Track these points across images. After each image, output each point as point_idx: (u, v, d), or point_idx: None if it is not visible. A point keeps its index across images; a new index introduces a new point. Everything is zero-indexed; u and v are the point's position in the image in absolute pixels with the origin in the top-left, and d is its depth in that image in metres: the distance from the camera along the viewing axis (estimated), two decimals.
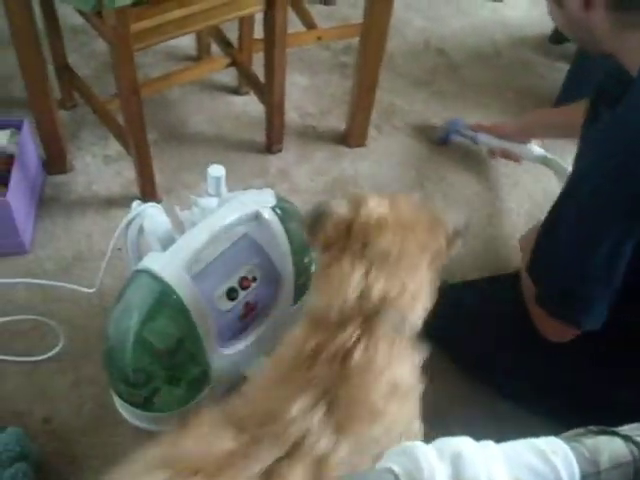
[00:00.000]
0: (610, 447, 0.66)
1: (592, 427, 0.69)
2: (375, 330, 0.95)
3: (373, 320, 0.96)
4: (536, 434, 0.69)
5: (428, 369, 1.01)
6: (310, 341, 0.96)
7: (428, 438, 0.69)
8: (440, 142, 2.14)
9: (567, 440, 0.67)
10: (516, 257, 1.83)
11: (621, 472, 0.65)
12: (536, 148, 1.96)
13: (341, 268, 0.98)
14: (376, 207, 1.02)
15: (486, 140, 2.02)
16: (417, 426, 1.02)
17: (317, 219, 1.04)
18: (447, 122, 2.15)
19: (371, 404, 0.93)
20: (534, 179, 2.06)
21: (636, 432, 0.68)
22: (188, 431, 0.95)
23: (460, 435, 0.67)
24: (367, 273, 0.96)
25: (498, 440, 0.68)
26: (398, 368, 0.96)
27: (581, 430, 0.70)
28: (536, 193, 2.02)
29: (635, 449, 0.66)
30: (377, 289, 0.95)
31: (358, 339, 0.94)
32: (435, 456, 0.62)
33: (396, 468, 0.62)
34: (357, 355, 0.93)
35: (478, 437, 0.68)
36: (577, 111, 1.67)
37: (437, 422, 1.01)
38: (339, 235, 1.01)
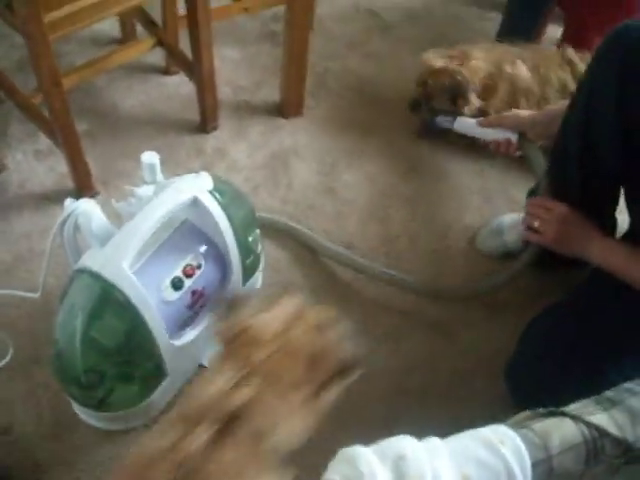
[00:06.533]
0: (560, 429, 0.65)
1: (540, 410, 0.68)
2: (228, 437, 0.86)
3: (230, 425, 0.86)
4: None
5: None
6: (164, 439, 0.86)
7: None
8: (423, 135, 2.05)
9: (515, 426, 0.65)
10: (462, 214, 1.83)
11: (573, 454, 0.64)
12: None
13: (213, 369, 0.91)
14: (271, 321, 0.92)
15: (465, 126, 1.76)
16: None
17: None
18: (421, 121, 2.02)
19: None
20: None
21: (584, 410, 0.66)
22: None
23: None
24: (238, 378, 0.87)
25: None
26: None
27: (528, 414, 0.68)
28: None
29: (585, 429, 0.65)
30: (243, 394, 0.86)
31: (206, 443, 0.84)
32: (377, 460, 0.61)
33: (337, 478, 0.60)
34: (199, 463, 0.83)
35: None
36: None
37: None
38: (231, 337, 0.91)
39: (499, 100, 1.86)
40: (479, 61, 1.88)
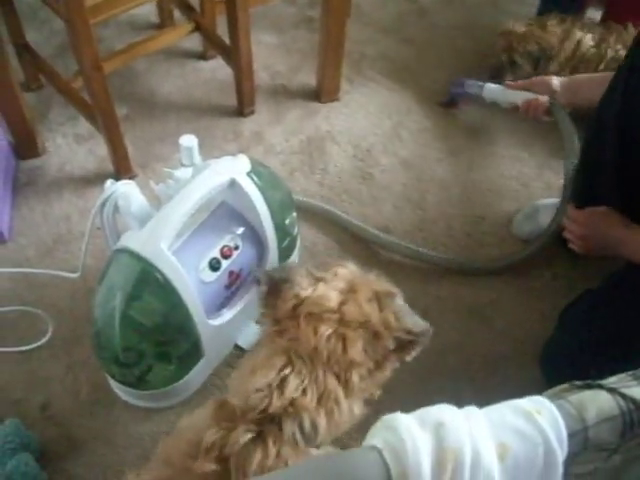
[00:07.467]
0: (596, 402, 0.64)
1: (576, 382, 0.67)
2: (275, 434, 0.87)
3: (276, 422, 0.88)
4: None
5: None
6: (208, 432, 0.88)
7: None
8: (446, 104, 2.07)
9: (552, 398, 0.65)
10: (498, 199, 1.82)
11: (609, 426, 0.63)
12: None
13: (264, 355, 0.92)
14: (330, 293, 0.93)
15: (494, 92, 1.83)
16: None
17: (276, 285, 0.96)
18: (450, 83, 2.04)
19: None
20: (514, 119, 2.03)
21: (622, 384, 0.66)
22: None
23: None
24: (285, 369, 0.89)
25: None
26: None
27: (565, 386, 0.68)
28: (519, 131, 2.00)
29: (622, 402, 0.64)
30: (290, 390, 0.87)
31: (252, 441, 0.87)
32: (417, 426, 0.61)
33: (379, 443, 0.60)
34: (251, 460, 0.86)
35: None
36: None
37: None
38: (286, 312, 0.93)
39: (563, 59, 1.92)
40: (554, 27, 1.95)
